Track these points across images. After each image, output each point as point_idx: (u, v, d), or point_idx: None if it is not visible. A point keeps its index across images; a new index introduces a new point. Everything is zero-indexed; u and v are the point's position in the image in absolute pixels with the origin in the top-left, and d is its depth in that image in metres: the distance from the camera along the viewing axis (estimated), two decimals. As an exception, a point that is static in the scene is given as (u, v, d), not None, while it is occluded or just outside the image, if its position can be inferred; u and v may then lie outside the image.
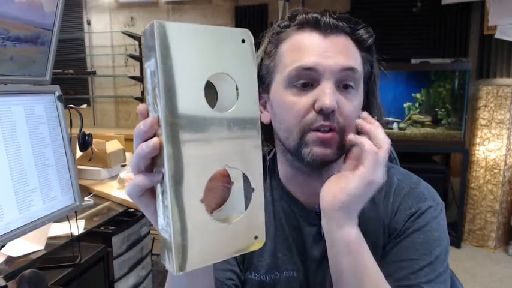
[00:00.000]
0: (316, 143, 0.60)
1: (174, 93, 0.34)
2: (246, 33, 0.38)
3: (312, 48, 0.61)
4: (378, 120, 0.69)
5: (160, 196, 0.38)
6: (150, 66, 0.35)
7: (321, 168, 0.64)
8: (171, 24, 0.34)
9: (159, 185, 0.38)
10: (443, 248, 0.62)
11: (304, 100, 0.60)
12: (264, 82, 0.66)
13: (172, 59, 0.34)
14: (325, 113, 0.59)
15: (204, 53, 0.36)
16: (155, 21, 0.33)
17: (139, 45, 4.05)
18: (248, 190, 0.41)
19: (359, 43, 0.64)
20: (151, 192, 0.40)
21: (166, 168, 0.35)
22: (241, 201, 0.42)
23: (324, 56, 0.60)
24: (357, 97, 0.63)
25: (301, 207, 0.70)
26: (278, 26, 0.66)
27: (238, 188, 0.43)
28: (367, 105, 0.68)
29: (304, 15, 0.63)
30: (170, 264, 0.36)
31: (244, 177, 0.41)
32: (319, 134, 0.60)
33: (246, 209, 0.41)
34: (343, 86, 0.61)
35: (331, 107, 0.58)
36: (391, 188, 0.68)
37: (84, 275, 1.31)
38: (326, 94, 0.58)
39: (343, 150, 0.62)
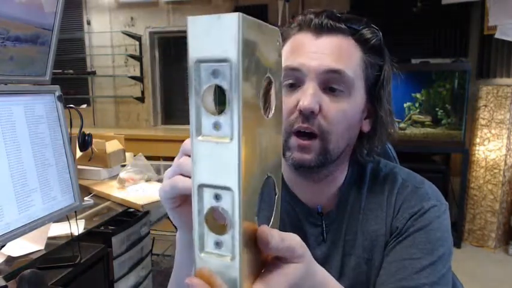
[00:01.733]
0: (296, 149, 0.61)
1: (249, 91, 0.30)
2: (279, 34, 0.35)
3: (301, 48, 0.61)
4: (385, 128, 0.68)
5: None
6: (208, 60, 0.29)
7: (304, 172, 0.65)
8: (248, 18, 0.30)
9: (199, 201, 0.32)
10: (446, 248, 0.62)
11: (289, 101, 0.61)
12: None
13: (251, 54, 0.30)
14: (305, 114, 0.58)
15: (264, 49, 0.32)
16: (239, 13, 0.29)
17: (140, 45, 4.05)
18: (271, 196, 0.37)
19: (362, 44, 0.62)
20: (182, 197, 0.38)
21: (238, 180, 0.29)
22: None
23: (311, 57, 0.60)
24: (349, 102, 0.61)
25: (303, 207, 0.70)
26: (286, 26, 0.66)
27: None
28: (371, 115, 0.67)
29: (302, 16, 0.63)
30: None
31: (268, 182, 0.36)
32: (299, 140, 0.60)
33: (273, 217, 0.37)
34: (329, 88, 0.60)
35: (310, 108, 0.57)
36: (395, 187, 0.68)
37: (84, 275, 1.31)
38: (306, 95, 0.58)
39: (328, 155, 0.61)
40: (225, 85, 0.29)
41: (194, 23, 0.29)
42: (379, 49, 0.64)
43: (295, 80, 0.61)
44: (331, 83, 0.60)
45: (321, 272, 0.42)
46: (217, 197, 0.30)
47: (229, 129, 0.29)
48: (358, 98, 0.63)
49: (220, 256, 0.31)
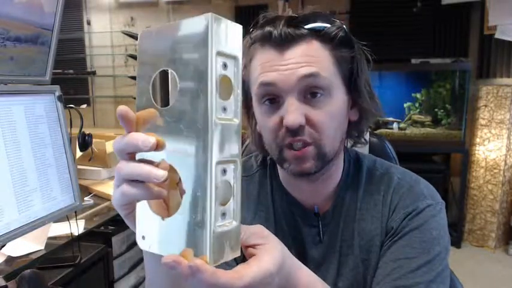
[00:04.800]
0: (292, 160, 0.61)
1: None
2: None
3: (269, 64, 0.60)
4: (374, 115, 0.68)
5: (209, 189, 0.35)
6: (223, 54, 0.35)
7: (306, 179, 0.65)
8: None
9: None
10: (443, 247, 0.62)
11: (273, 118, 0.61)
12: (247, 94, 0.67)
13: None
14: (292, 130, 0.58)
15: None
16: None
17: (139, 45, 4.05)
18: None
19: (329, 42, 0.61)
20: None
21: (240, 152, 0.36)
22: None
23: (282, 69, 0.59)
24: (331, 103, 0.61)
25: (300, 208, 0.70)
26: (249, 37, 0.64)
27: None
28: (356, 104, 0.67)
29: (259, 31, 0.62)
30: (229, 255, 0.36)
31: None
32: (294, 152, 0.60)
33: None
34: (310, 94, 0.60)
35: (295, 124, 0.57)
36: (390, 186, 0.68)
37: (84, 275, 1.31)
38: (288, 112, 0.58)
39: (325, 158, 0.62)
40: (232, 76, 0.35)
41: (218, 22, 0.34)
42: (347, 40, 0.63)
43: (273, 95, 0.61)
44: (310, 88, 0.59)
45: (293, 257, 0.47)
46: (224, 171, 0.35)
47: (234, 111, 0.36)
48: (339, 95, 0.62)
49: (227, 224, 0.36)
